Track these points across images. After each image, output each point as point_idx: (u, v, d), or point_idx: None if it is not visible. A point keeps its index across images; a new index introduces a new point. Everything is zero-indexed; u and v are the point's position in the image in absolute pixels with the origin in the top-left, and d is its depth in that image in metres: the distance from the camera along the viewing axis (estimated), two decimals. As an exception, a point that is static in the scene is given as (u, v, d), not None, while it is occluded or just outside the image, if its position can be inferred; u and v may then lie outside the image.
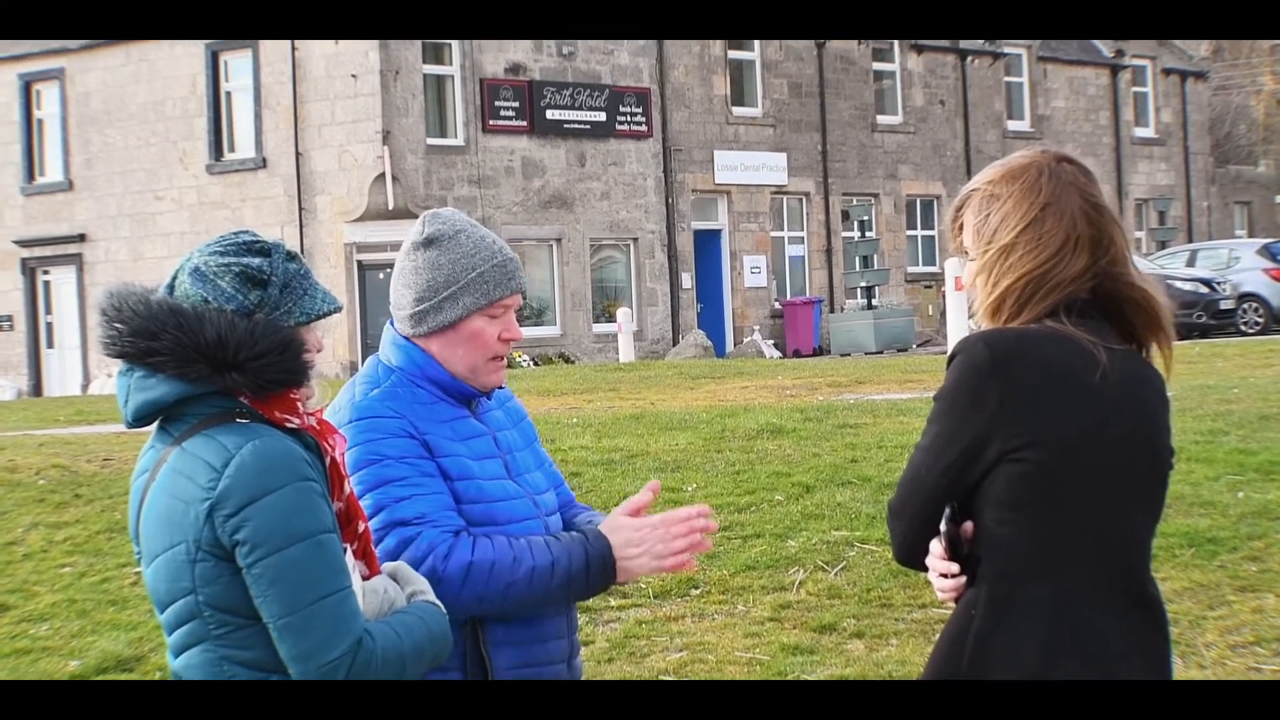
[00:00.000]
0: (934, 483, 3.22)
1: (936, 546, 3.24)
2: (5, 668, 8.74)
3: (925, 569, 3.30)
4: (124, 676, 8.45)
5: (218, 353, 3.14)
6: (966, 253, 3.37)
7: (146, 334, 3.17)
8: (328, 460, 3.24)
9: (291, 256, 3.28)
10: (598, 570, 3.73)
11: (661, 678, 8.00)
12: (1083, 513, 3.16)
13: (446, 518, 3.66)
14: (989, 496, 3.18)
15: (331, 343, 30.79)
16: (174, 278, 3.25)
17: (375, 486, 3.64)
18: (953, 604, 3.28)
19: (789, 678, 7.87)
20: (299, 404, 3.24)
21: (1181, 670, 7.10)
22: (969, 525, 3.22)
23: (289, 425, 3.21)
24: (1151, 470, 3.27)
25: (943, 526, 3.21)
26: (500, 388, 3.97)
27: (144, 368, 3.19)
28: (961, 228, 3.39)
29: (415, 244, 3.85)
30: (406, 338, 3.86)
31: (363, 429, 3.70)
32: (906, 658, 8.00)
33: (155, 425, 3.26)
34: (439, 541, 3.61)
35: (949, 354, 3.26)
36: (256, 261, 3.23)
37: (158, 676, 8.37)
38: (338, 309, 3.31)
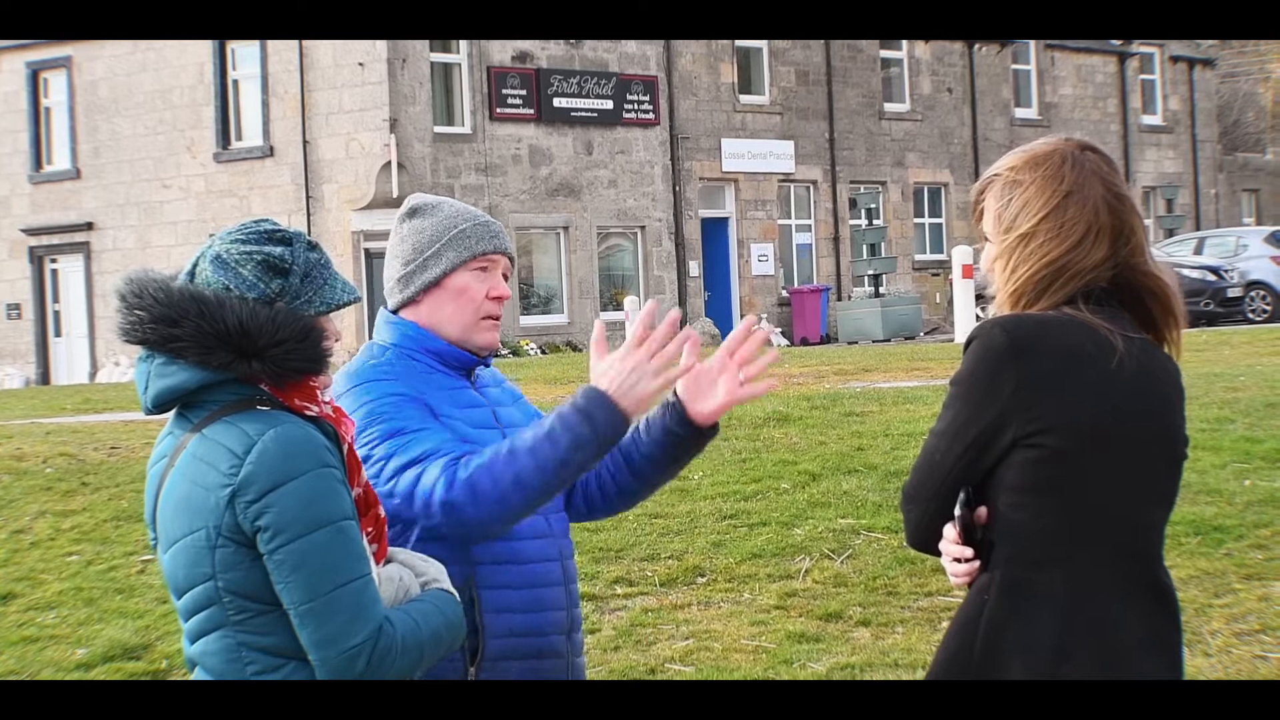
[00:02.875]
0: (949, 467, 3.22)
1: (951, 531, 3.24)
2: (13, 656, 8.75)
3: (938, 554, 3.30)
4: (131, 665, 8.47)
5: (240, 340, 3.15)
6: (987, 237, 3.38)
7: (168, 321, 3.18)
8: (344, 447, 3.26)
9: (312, 246, 3.31)
10: (603, 418, 3.58)
11: (668, 665, 8.01)
12: (1097, 499, 3.17)
13: (451, 447, 3.66)
14: (1004, 481, 3.19)
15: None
16: (194, 264, 3.27)
17: (383, 440, 3.67)
18: (965, 590, 3.28)
19: (795, 666, 7.88)
20: (318, 392, 3.26)
21: (1187, 659, 7.09)
22: (983, 510, 3.22)
23: (308, 413, 3.23)
24: (1166, 458, 3.28)
25: (957, 511, 3.21)
26: (497, 351, 4.01)
27: (164, 354, 3.21)
28: (982, 213, 3.40)
29: (400, 219, 3.96)
30: (396, 312, 3.93)
31: (362, 392, 3.75)
32: (912, 646, 8.00)
33: (173, 412, 3.27)
34: (443, 471, 3.59)
35: (966, 339, 3.27)
36: (278, 250, 3.25)
37: (164, 665, 8.39)
38: (357, 299, 3.33)
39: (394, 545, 3.52)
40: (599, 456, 3.64)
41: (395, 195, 31.88)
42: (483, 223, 3.91)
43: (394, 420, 3.69)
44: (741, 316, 38.27)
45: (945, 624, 7.88)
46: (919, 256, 42.61)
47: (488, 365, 4.00)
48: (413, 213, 3.94)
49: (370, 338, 4.02)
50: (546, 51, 34.72)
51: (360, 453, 3.63)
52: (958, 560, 3.24)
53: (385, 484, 3.63)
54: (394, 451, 3.66)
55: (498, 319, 3.95)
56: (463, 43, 33.51)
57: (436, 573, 3.44)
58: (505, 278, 3.97)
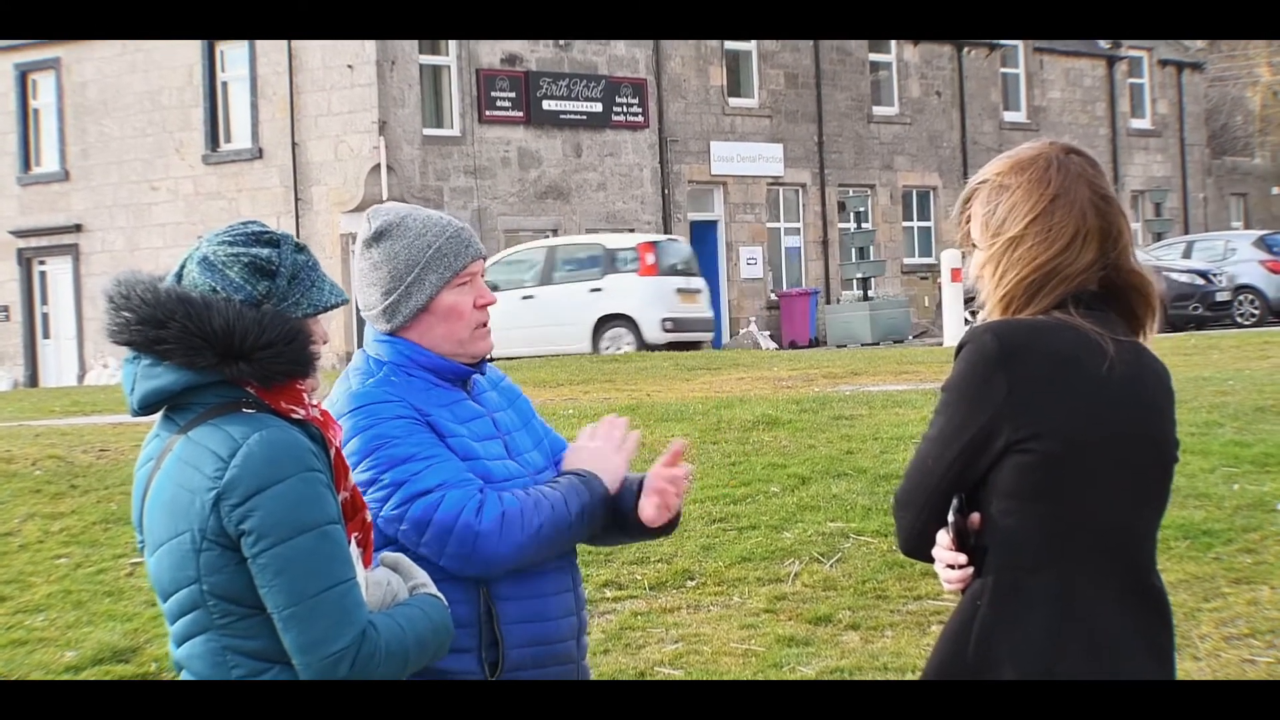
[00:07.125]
0: (941, 473, 3.22)
1: (944, 537, 3.23)
2: (1, 659, 8.74)
3: (931, 560, 3.28)
4: (120, 668, 8.45)
5: (226, 342, 3.14)
6: (974, 244, 3.37)
7: (154, 322, 3.16)
8: (332, 451, 3.25)
9: (300, 248, 3.29)
10: (599, 490, 3.89)
11: (657, 669, 8.00)
12: (1089, 504, 3.16)
13: (465, 480, 3.70)
14: (996, 487, 3.18)
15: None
16: (182, 266, 3.26)
17: (390, 467, 3.68)
18: (957, 595, 3.28)
19: (784, 669, 7.87)
20: (304, 395, 3.25)
21: (1176, 663, 7.08)
22: (976, 516, 3.21)
23: (294, 416, 3.21)
24: (1157, 463, 3.28)
25: (950, 517, 3.20)
26: (490, 356, 4.00)
27: (151, 356, 3.19)
28: (969, 219, 3.39)
29: (365, 242, 3.87)
30: (386, 333, 3.88)
31: (365, 414, 3.72)
32: (902, 650, 8.00)
33: (160, 414, 3.26)
34: (467, 499, 3.66)
35: (957, 344, 3.26)
36: (265, 252, 3.23)
37: (154, 668, 8.37)
38: (344, 301, 3.32)
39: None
40: (595, 525, 3.89)
41: (384, 198, 31.83)
42: (453, 235, 3.84)
43: (403, 446, 3.69)
44: (731, 319, 38.30)
45: (935, 628, 7.88)
46: (908, 260, 42.64)
47: (483, 373, 3.99)
48: (379, 235, 3.83)
49: (359, 343, 4.00)
50: (535, 54, 34.71)
51: (365, 477, 3.65)
52: (951, 566, 3.24)
53: (393, 510, 3.66)
54: (405, 479, 3.67)
55: (488, 323, 3.94)
56: (451, 45, 33.50)
57: (425, 577, 3.43)
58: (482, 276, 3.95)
